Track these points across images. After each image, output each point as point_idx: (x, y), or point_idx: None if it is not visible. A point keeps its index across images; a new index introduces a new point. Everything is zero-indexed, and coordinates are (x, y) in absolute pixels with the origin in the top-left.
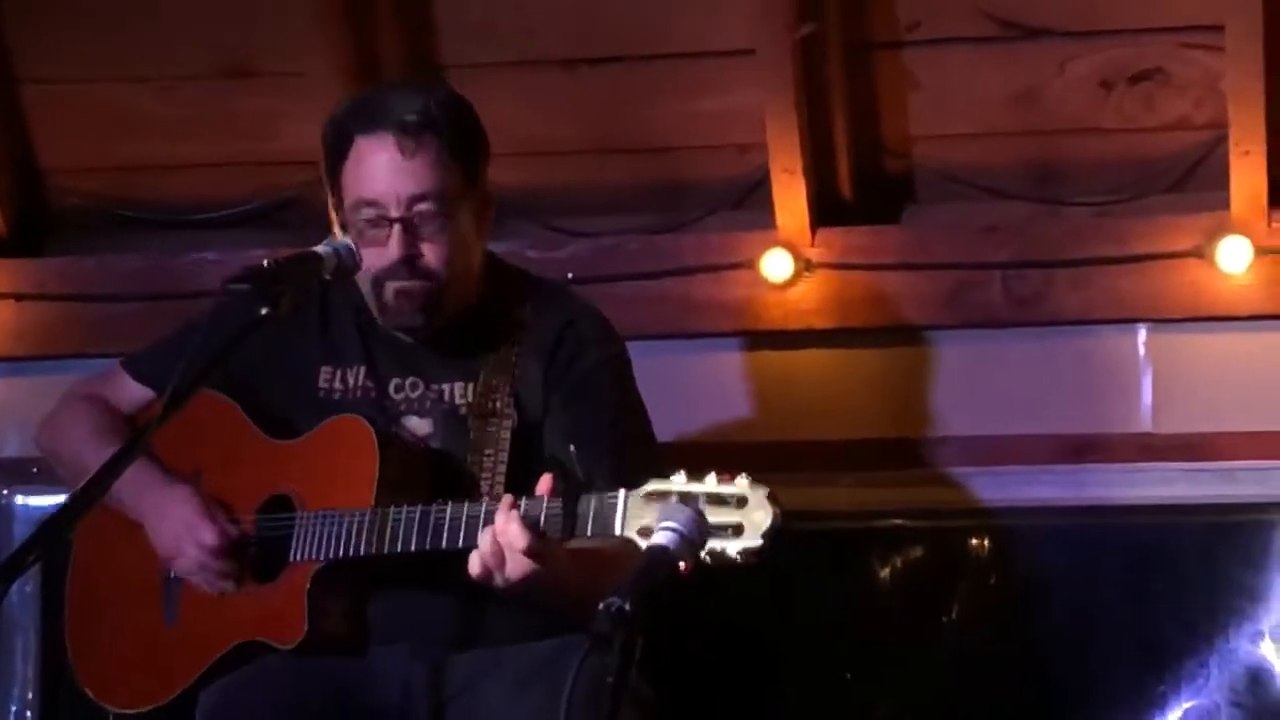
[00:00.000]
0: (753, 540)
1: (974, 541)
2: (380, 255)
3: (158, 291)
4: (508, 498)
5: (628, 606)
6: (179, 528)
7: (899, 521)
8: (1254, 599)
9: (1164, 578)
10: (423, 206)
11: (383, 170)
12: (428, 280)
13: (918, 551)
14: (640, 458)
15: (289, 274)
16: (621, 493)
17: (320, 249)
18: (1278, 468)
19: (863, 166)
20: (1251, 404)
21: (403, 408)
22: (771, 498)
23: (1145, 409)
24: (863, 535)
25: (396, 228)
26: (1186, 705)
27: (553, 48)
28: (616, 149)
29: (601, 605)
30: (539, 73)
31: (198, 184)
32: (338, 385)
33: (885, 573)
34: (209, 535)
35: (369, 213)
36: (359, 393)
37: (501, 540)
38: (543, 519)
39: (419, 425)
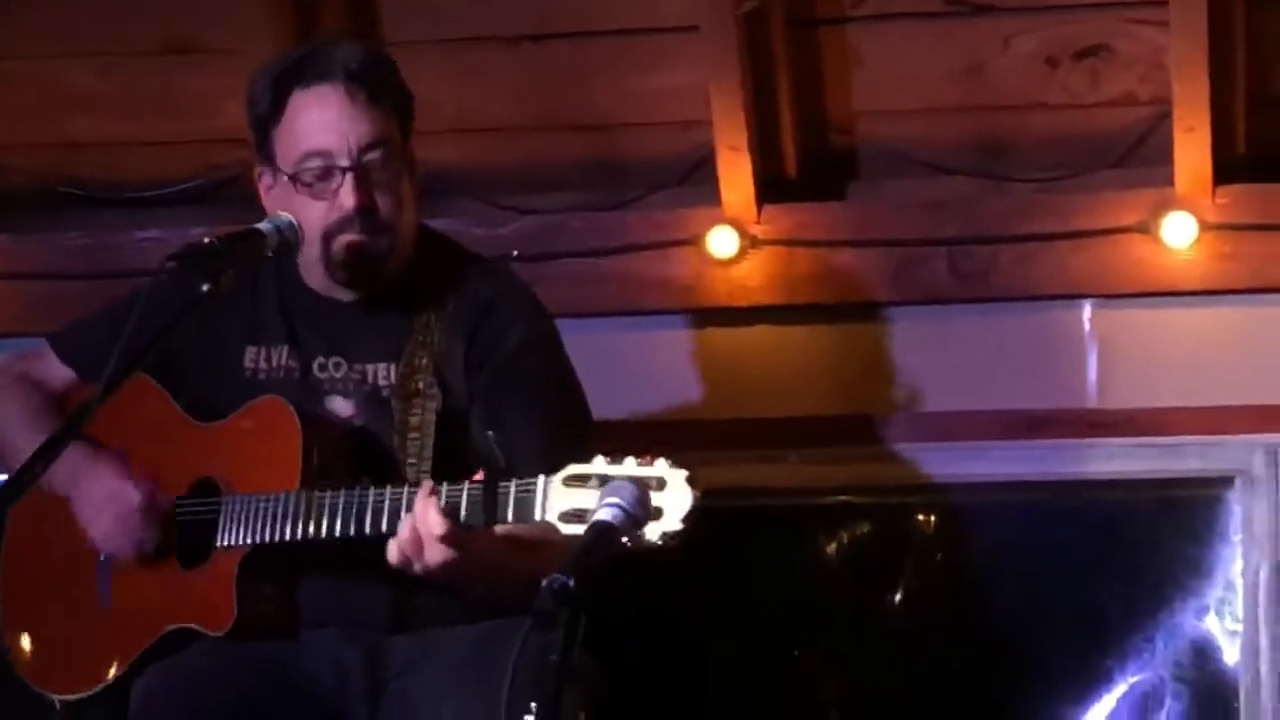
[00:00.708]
0: (672, 524)
1: (920, 518)
2: (329, 209)
3: (99, 270)
4: (427, 484)
5: (571, 583)
6: (100, 492)
7: (846, 498)
8: (1199, 574)
9: (1109, 553)
10: (373, 155)
11: (333, 119)
12: (382, 232)
13: (865, 528)
14: (568, 438)
15: (232, 251)
16: (540, 478)
17: (263, 226)
18: (1222, 442)
19: (808, 143)
20: (1196, 379)
21: (326, 387)
22: (690, 480)
23: (1091, 385)
24: (810, 512)
25: (349, 177)
26: (1131, 680)
27: (496, 24)
28: (561, 126)
29: (545, 582)
30: (482, 49)
31: (140, 162)
32: (262, 365)
33: (832, 549)
34: (129, 496)
35: (316, 164)
36: (282, 373)
37: (420, 528)
38: (463, 506)
39: (342, 406)
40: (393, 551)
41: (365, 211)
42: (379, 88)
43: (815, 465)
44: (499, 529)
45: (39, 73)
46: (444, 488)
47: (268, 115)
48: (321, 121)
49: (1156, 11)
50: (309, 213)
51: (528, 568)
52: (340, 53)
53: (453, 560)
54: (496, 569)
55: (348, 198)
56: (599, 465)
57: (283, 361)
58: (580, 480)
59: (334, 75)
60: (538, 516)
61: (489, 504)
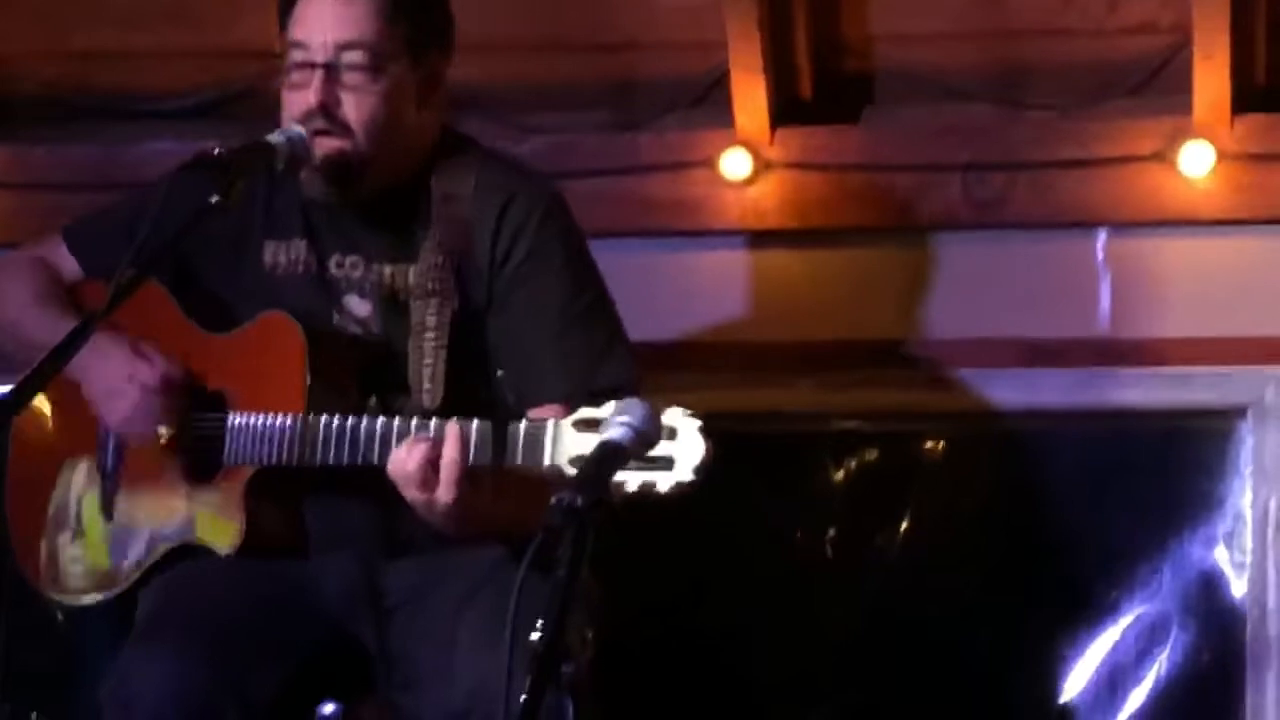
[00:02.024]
0: (684, 474)
1: (930, 445)
2: (302, 101)
3: (109, 181)
4: (452, 425)
5: (579, 501)
6: (115, 371)
7: (857, 424)
8: (1208, 506)
9: (1119, 483)
10: (350, 56)
11: (317, 11)
12: (345, 135)
13: (875, 455)
14: (592, 357)
15: (241, 162)
16: (550, 421)
17: (273, 138)
18: (1234, 373)
19: (823, 66)
20: (1209, 309)
21: (343, 286)
22: (703, 431)
23: (1103, 314)
24: (821, 438)
25: (319, 73)
26: (1139, 611)
27: None
28: (574, 44)
29: (553, 499)
30: None
31: (151, 73)
32: (280, 259)
33: (841, 476)
34: (144, 371)
35: (298, 55)
36: (300, 268)
37: (445, 457)
38: (472, 444)
39: (359, 306)
40: (391, 472)
41: (326, 110)
42: None
43: (826, 391)
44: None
45: None
46: (454, 421)
47: (282, 6)
48: (309, 15)
49: None
50: (289, 103)
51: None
52: None
53: (455, 500)
54: (490, 516)
55: (311, 93)
56: (610, 410)
57: (300, 256)
58: (591, 425)
59: None
60: (546, 460)
61: (497, 444)
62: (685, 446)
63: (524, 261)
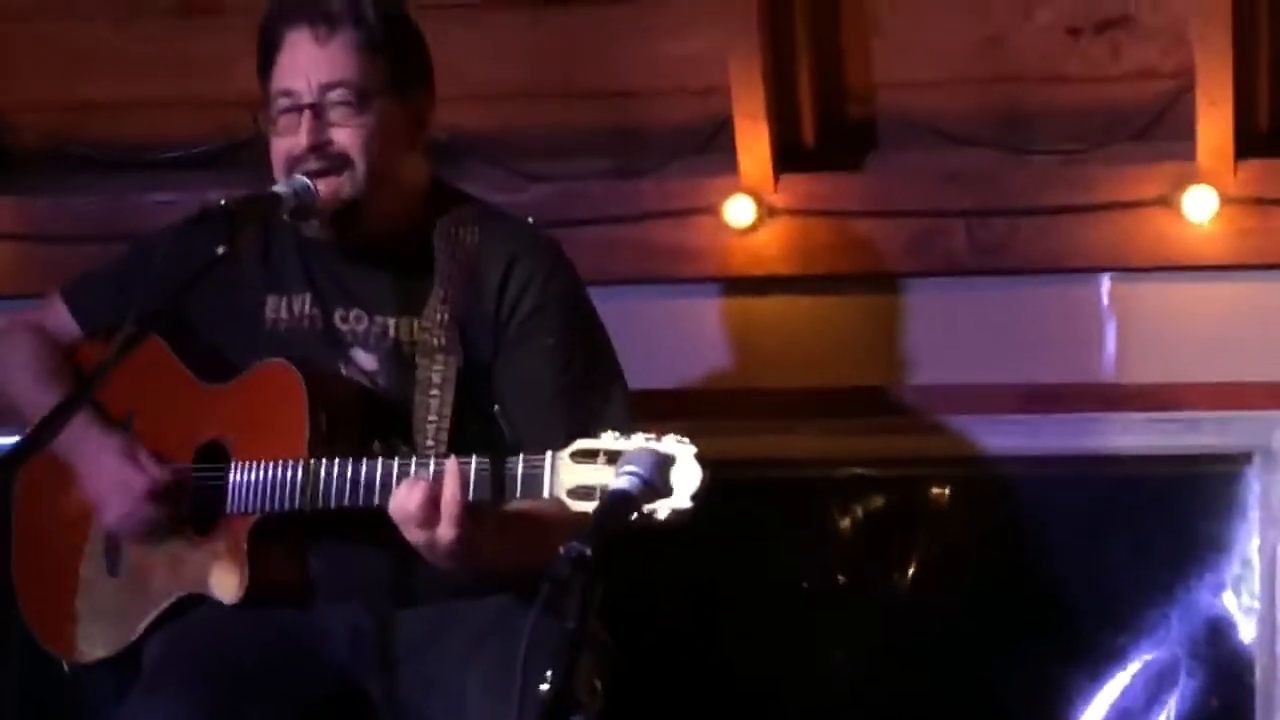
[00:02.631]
0: (681, 501)
1: (935, 491)
2: (293, 145)
3: (113, 233)
4: (453, 461)
5: (588, 551)
6: (109, 477)
7: (860, 471)
8: (1215, 550)
9: (1126, 528)
10: (335, 94)
11: (297, 59)
12: (340, 170)
13: (879, 501)
14: (589, 407)
15: (247, 213)
16: (548, 455)
17: (279, 188)
18: (1240, 417)
19: (826, 112)
20: (1214, 354)
21: (349, 339)
22: (699, 458)
23: (1108, 358)
24: (824, 484)
25: (306, 113)
26: (1146, 657)
27: None
28: (579, 93)
29: (562, 550)
30: (501, 14)
31: (153, 124)
32: (284, 315)
33: (846, 522)
34: (138, 481)
35: (284, 102)
36: (306, 321)
37: (445, 497)
38: (472, 481)
39: (366, 360)
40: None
41: (318, 147)
42: (354, 26)
43: (830, 437)
44: (511, 506)
45: (52, 32)
46: (453, 459)
47: (265, 60)
48: (290, 62)
49: None
50: (278, 151)
51: (530, 550)
52: None
53: (458, 538)
54: (494, 552)
55: (302, 133)
56: (608, 441)
57: (305, 310)
58: (589, 456)
59: (305, 14)
60: (546, 493)
61: (496, 480)
62: (682, 473)
63: (529, 317)
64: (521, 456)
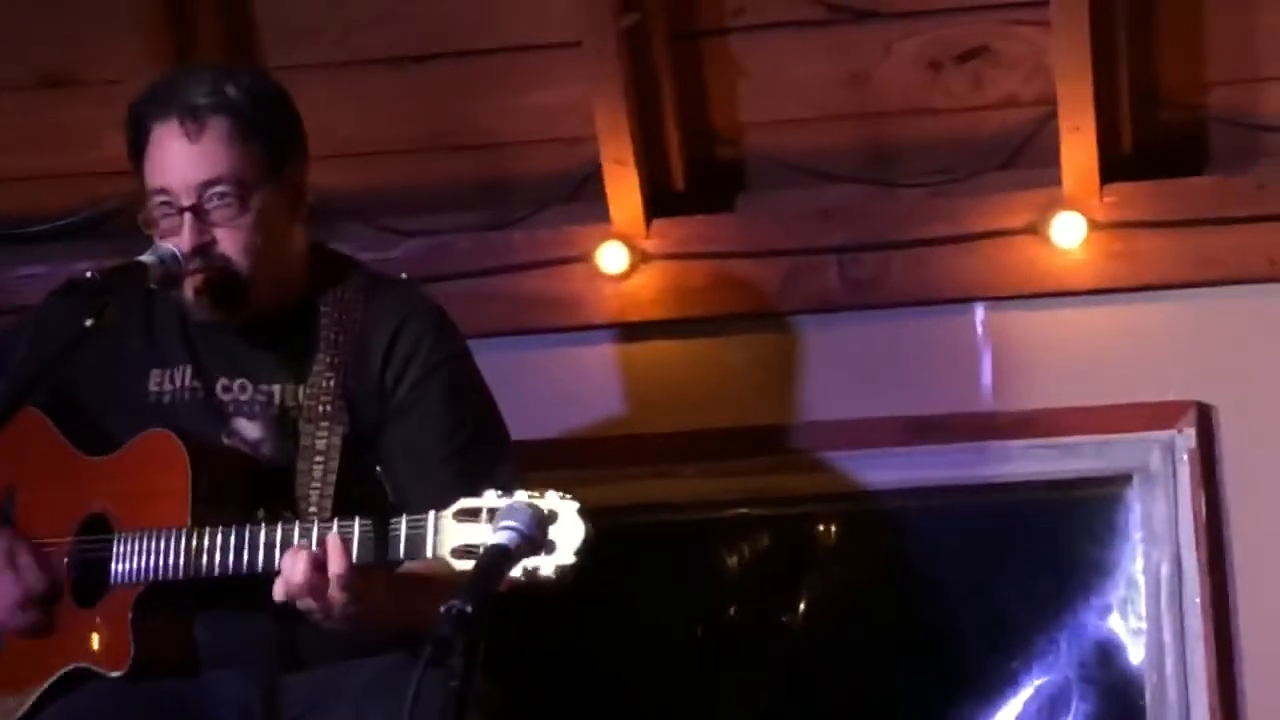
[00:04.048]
0: (565, 558)
1: (821, 528)
2: (176, 245)
3: None
4: (334, 528)
5: (469, 608)
6: None
7: (745, 511)
8: (1101, 573)
9: (1011, 556)
10: (215, 190)
11: (170, 157)
12: (224, 268)
13: (765, 540)
14: (480, 468)
15: (113, 284)
16: (431, 514)
17: (145, 258)
18: (1119, 440)
19: (695, 155)
20: (1091, 378)
21: (231, 409)
22: (582, 513)
23: (986, 387)
24: (709, 526)
25: (187, 216)
26: (1038, 682)
27: (377, 46)
28: (445, 146)
29: (443, 609)
30: (364, 72)
31: (19, 197)
32: (167, 387)
33: (733, 562)
34: (14, 593)
35: (160, 201)
36: (187, 394)
37: (330, 566)
38: (355, 544)
39: (248, 428)
40: (280, 590)
41: (201, 250)
42: (225, 119)
43: (712, 478)
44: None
45: None
46: (336, 523)
47: (135, 148)
48: (162, 160)
49: (1037, 12)
50: (160, 247)
51: (420, 606)
52: (188, 83)
53: (348, 602)
54: (386, 610)
55: (184, 238)
56: (490, 499)
57: (186, 383)
58: (472, 515)
59: (172, 112)
60: (429, 553)
61: (380, 542)
62: (565, 529)
63: (417, 385)
64: (405, 517)
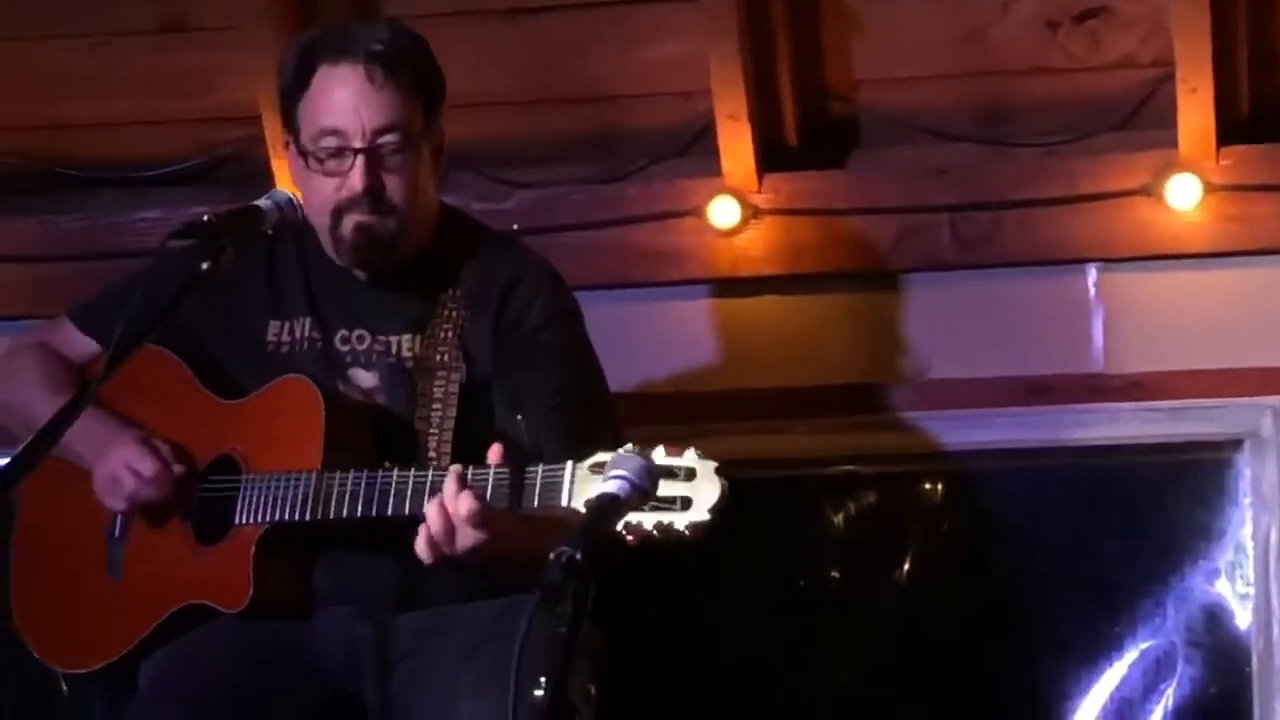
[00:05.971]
0: (700, 514)
1: (927, 486)
2: (341, 186)
3: (99, 251)
4: (456, 468)
5: (579, 555)
6: (119, 458)
7: (852, 468)
8: (1208, 538)
9: (1118, 519)
10: (387, 139)
11: (350, 99)
12: (389, 214)
13: (871, 497)
14: (589, 421)
15: (230, 228)
16: (569, 465)
17: (261, 202)
18: (1229, 405)
19: (808, 111)
20: (1202, 342)
21: (349, 359)
22: (719, 471)
23: (1096, 349)
24: (816, 482)
25: (360, 158)
26: (1143, 646)
27: None
28: (560, 98)
29: (552, 555)
30: (479, 23)
31: (136, 141)
32: (285, 338)
33: (839, 519)
34: (147, 465)
35: (331, 142)
36: (305, 344)
37: (450, 510)
38: (489, 489)
39: (365, 378)
40: (423, 547)
41: (373, 193)
42: (403, 70)
43: (821, 435)
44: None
45: (30, 54)
46: (470, 470)
47: (293, 87)
48: (339, 100)
49: None
50: (322, 188)
51: (549, 547)
52: (366, 32)
53: (482, 544)
54: (520, 550)
55: (357, 179)
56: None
57: (305, 333)
58: (604, 468)
59: (356, 55)
60: (564, 503)
61: (515, 490)
62: (702, 487)
63: (536, 332)
64: (540, 467)
